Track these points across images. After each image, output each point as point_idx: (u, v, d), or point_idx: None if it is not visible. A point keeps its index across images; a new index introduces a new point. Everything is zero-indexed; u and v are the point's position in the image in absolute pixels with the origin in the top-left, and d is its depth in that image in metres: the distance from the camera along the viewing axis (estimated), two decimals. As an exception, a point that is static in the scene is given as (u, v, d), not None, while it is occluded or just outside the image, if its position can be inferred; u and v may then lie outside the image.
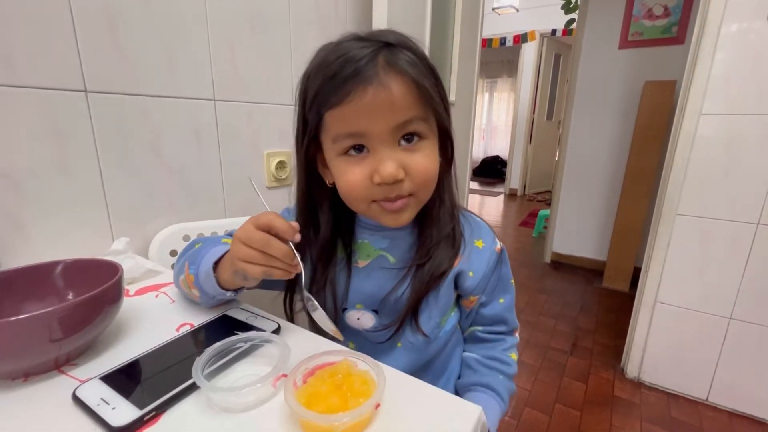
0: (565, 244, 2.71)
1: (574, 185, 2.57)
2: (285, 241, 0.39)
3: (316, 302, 0.42)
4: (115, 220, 0.66)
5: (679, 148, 1.26)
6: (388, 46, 0.40)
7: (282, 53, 0.92)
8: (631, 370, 1.49)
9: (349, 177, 0.43)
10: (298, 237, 0.39)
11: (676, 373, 1.41)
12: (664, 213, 1.32)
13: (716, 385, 1.34)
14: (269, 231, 0.38)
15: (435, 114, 0.43)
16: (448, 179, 0.50)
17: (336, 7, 1.05)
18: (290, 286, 0.55)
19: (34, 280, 0.43)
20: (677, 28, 2.02)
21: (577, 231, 2.64)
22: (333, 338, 0.44)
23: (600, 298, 2.21)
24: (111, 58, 0.63)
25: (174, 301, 0.52)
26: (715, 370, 1.34)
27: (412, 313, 0.49)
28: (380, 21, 1.02)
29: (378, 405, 0.33)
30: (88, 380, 0.35)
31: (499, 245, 0.55)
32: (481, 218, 0.57)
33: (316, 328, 0.55)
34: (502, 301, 0.56)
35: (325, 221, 0.50)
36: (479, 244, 0.53)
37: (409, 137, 0.42)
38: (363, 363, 0.35)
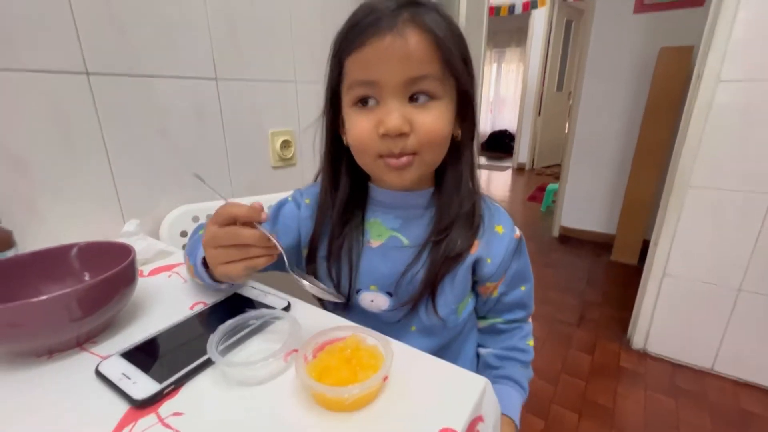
0: (574, 218, 2.69)
1: (584, 158, 2.52)
2: (253, 226, 0.38)
3: (303, 278, 0.40)
4: (125, 202, 0.67)
5: (693, 117, 1.22)
6: (415, 4, 0.40)
7: (283, 29, 0.90)
8: (637, 341, 1.51)
9: (358, 127, 0.43)
10: (264, 216, 0.38)
11: (682, 343, 1.43)
12: (675, 185, 1.30)
13: (722, 355, 1.36)
14: (234, 222, 0.37)
15: (455, 76, 0.42)
16: (468, 153, 0.48)
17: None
18: (307, 270, 0.54)
19: (51, 263, 0.44)
20: (697, -12, 1.91)
21: (586, 205, 2.61)
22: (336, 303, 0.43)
23: (608, 272, 2.21)
24: (110, 39, 0.62)
25: (186, 281, 0.53)
26: (721, 340, 1.35)
27: (428, 293, 0.48)
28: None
29: (386, 378, 0.34)
30: (109, 357, 0.36)
31: (518, 232, 0.53)
32: (499, 204, 0.55)
33: (321, 302, 0.56)
34: (522, 288, 0.55)
35: (344, 185, 0.50)
36: (499, 229, 0.51)
37: (418, 95, 0.41)
38: (371, 338, 0.36)
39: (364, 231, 0.51)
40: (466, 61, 0.44)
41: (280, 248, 0.39)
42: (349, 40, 0.41)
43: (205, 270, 0.44)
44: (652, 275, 1.42)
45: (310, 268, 0.53)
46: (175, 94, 0.72)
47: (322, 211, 0.51)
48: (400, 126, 0.40)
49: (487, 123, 6.85)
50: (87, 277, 0.45)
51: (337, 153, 0.49)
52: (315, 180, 0.54)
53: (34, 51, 0.54)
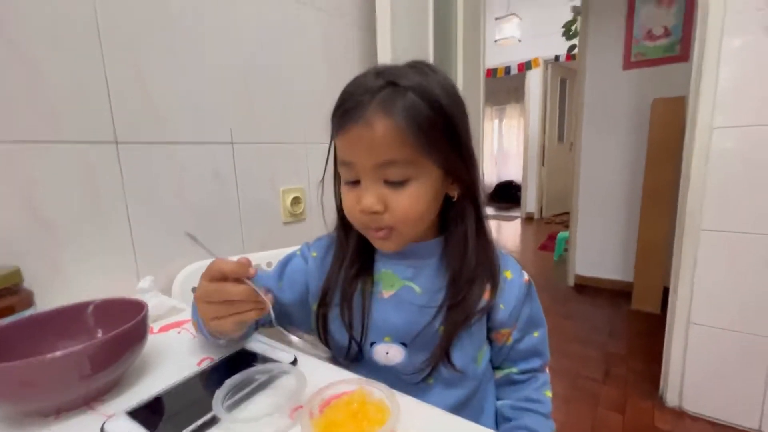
0: (588, 266, 2.63)
1: (592, 206, 2.53)
2: (243, 281, 0.39)
3: (289, 332, 0.42)
4: (141, 261, 0.70)
5: (694, 163, 1.24)
6: (394, 87, 0.41)
7: (294, 97, 0.98)
8: (671, 398, 1.40)
9: (345, 201, 0.47)
10: (252, 271, 0.39)
11: (721, 400, 1.31)
12: (687, 229, 1.29)
13: (768, 413, 1.24)
14: (223, 278, 0.39)
15: (431, 155, 0.43)
16: (470, 207, 0.49)
17: (345, 48, 1.12)
18: (318, 326, 0.54)
19: (67, 320, 0.45)
20: (680, 46, 2.04)
21: (599, 252, 2.57)
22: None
23: (629, 321, 2.11)
24: (139, 109, 0.69)
25: (195, 337, 0.54)
26: (765, 396, 1.24)
27: (445, 354, 0.48)
28: (384, 58, 1.08)
29: (394, 433, 0.33)
30: (115, 416, 0.36)
31: (526, 276, 0.54)
32: (505, 250, 0.56)
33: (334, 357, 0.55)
34: (536, 334, 0.55)
35: (353, 239, 0.52)
36: (508, 275, 0.52)
37: (391, 178, 0.43)
38: (378, 391, 0.35)
39: (375, 282, 0.52)
40: (454, 133, 0.44)
41: (268, 303, 0.40)
42: (335, 122, 0.44)
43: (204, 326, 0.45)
44: (677, 324, 1.35)
45: (321, 318, 0.53)
46: (194, 158, 0.78)
47: (335, 262, 0.53)
48: (372, 206, 0.43)
49: (493, 175, 7.00)
50: (100, 334, 0.46)
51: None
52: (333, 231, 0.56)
53: (72, 123, 0.60)
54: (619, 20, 2.20)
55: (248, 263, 0.39)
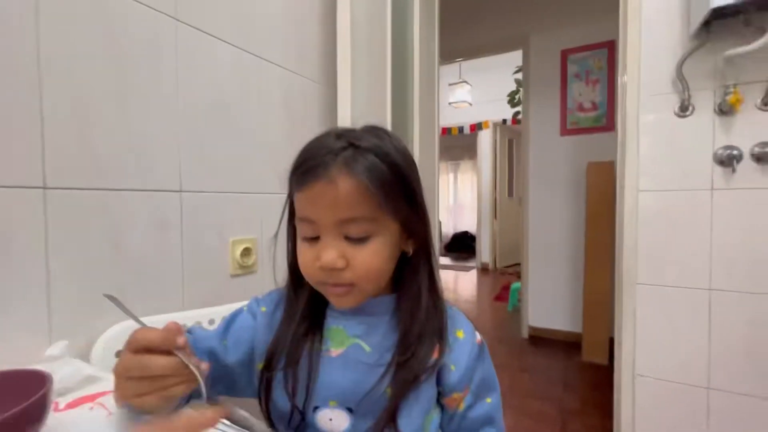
0: (541, 317, 2.70)
1: (541, 259, 2.67)
2: (170, 354, 0.35)
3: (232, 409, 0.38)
4: (57, 320, 0.61)
5: (626, 221, 1.36)
6: (355, 148, 0.43)
7: (250, 144, 0.97)
8: (625, 454, 1.40)
9: (302, 258, 0.46)
10: (182, 341, 0.35)
11: (671, 454, 1.33)
12: (624, 283, 1.37)
13: (714, 466, 1.27)
14: (147, 350, 0.34)
15: (389, 213, 0.45)
16: (424, 264, 0.50)
17: (304, 105, 1.15)
18: (261, 387, 0.50)
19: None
20: (605, 118, 2.33)
21: (550, 304, 2.66)
22: None
23: (582, 374, 2.15)
24: (76, 155, 0.64)
25: (111, 413, 0.46)
26: (708, 448, 1.27)
27: (392, 419, 0.45)
28: (344, 118, 1.12)
29: None
30: None
31: (479, 337, 0.53)
32: (457, 308, 0.56)
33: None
34: (489, 400, 0.53)
35: (304, 297, 0.50)
36: (460, 334, 0.51)
37: (352, 234, 0.44)
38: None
39: (324, 339, 0.50)
40: (409, 191, 0.47)
41: (199, 376, 0.35)
42: (296, 178, 0.45)
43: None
44: (624, 377, 1.39)
45: (265, 382, 0.49)
46: (136, 207, 0.72)
47: (284, 320, 0.50)
48: (333, 262, 0.43)
49: (449, 226, 7.25)
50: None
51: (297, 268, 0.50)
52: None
53: (-9, 168, 0.54)
54: (555, 93, 2.50)
55: (177, 330, 0.35)
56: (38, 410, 0.35)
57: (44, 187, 0.60)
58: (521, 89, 2.81)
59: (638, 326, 1.35)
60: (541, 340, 2.63)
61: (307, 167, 0.43)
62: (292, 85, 1.10)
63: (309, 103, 1.17)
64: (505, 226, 5.41)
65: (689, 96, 1.24)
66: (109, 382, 0.54)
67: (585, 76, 2.37)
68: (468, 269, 5.55)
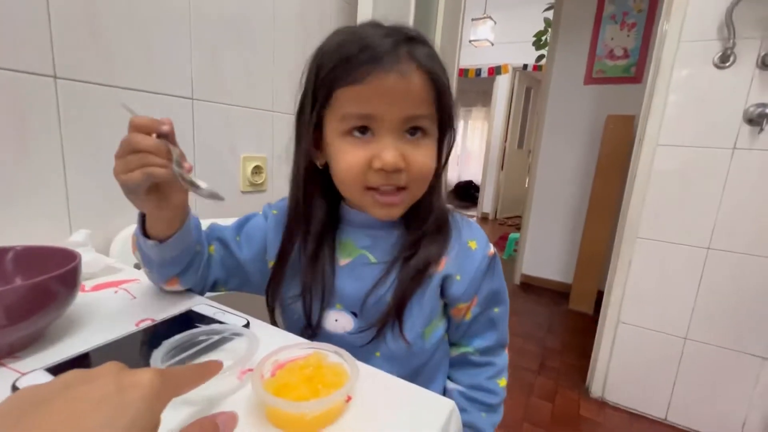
0: (534, 266, 2.78)
1: (543, 210, 2.68)
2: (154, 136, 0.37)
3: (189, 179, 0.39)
4: (75, 213, 0.62)
5: (638, 175, 1.35)
6: (410, 40, 0.41)
7: (264, 60, 0.93)
8: (596, 389, 1.53)
9: (349, 158, 0.42)
10: (166, 128, 0.37)
11: (638, 392, 1.45)
12: (625, 236, 1.40)
13: (674, 404, 1.39)
14: (137, 131, 0.37)
15: (443, 113, 0.44)
16: (438, 181, 0.50)
17: (322, 16, 1.07)
18: (270, 283, 0.51)
19: (-22, 266, 0.39)
20: (635, 68, 2.20)
21: (545, 254, 2.72)
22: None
23: (566, 320, 2.26)
24: (86, 44, 0.61)
25: (135, 297, 0.49)
26: (672, 390, 1.39)
27: (395, 315, 0.47)
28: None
29: (349, 398, 0.32)
30: (32, 372, 0.32)
31: (491, 249, 0.53)
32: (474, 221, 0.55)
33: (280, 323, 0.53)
34: (496, 310, 0.54)
35: (319, 207, 0.49)
36: (472, 245, 0.51)
37: (413, 131, 0.43)
38: (335, 355, 0.34)
39: (335, 251, 0.50)
40: (452, 94, 0.45)
41: (175, 152, 0.38)
42: (344, 72, 0.40)
43: (142, 227, 0.42)
44: (608, 322, 1.47)
45: (275, 284, 0.51)
46: (148, 109, 0.71)
47: (290, 231, 0.49)
48: (396, 162, 0.41)
49: (454, 174, 7.18)
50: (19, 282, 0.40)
51: (311, 177, 0.48)
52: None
53: (2, 48, 0.52)
54: (586, 36, 2.32)
55: (166, 121, 0.37)
56: (70, 279, 0.37)
57: (54, 76, 0.58)
58: (549, 30, 2.61)
59: (630, 277, 1.40)
60: (531, 287, 2.74)
61: (368, 57, 0.39)
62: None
63: (326, 21, 1.09)
64: (510, 177, 5.36)
65: (734, 44, 1.15)
66: (129, 273, 0.57)
67: (621, 18, 2.19)
68: (469, 218, 5.61)
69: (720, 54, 1.19)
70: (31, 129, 0.56)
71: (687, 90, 1.26)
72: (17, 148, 0.55)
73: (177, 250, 0.44)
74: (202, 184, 0.39)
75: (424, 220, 0.48)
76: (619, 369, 1.48)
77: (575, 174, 2.53)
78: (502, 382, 0.56)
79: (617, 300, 1.44)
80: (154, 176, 0.36)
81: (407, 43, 0.40)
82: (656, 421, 1.41)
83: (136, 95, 0.68)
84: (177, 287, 0.48)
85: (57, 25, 0.57)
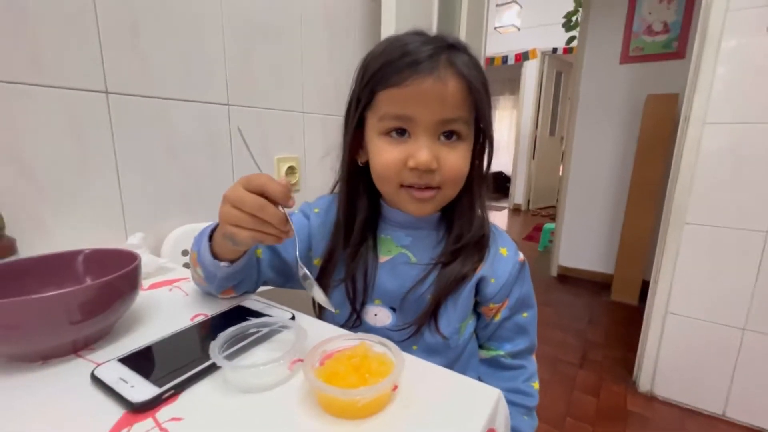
0: (572, 257, 2.68)
1: (580, 199, 2.57)
2: (277, 205, 0.37)
3: (308, 273, 0.41)
4: (130, 218, 0.67)
5: (684, 157, 1.27)
6: (450, 47, 0.43)
7: (293, 63, 0.95)
8: (644, 383, 1.46)
9: (386, 156, 0.45)
10: (292, 202, 0.38)
11: (691, 386, 1.37)
12: (672, 222, 1.32)
13: (733, 399, 1.30)
14: (262, 194, 0.36)
15: (481, 118, 0.46)
16: (480, 187, 0.51)
17: (347, 17, 1.08)
18: (320, 278, 0.53)
19: (54, 269, 0.43)
20: (677, 43, 2.06)
21: (583, 244, 2.62)
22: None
23: (608, 311, 2.17)
24: (131, 61, 0.65)
25: (188, 294, 0.52)
26: (731, 384, 1.30)
27: (432, 314, 0.49)
28: (388, 31, 1.05)
29: (396, 387, 0.33)
30: (107, 362, 0.35)
31: (521, 256, 0.54)
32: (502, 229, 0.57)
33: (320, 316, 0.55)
34: (525, 315, 0.55)
35: (362, 203, 0.51)
36: (503, 251, 0.53)
37: (448, 134, 0.44)
38: (380, 345, 0.35)
39: (376, 247, 0.52)
40: (490, 101, 0.47)
41: (294, 234, 0.39)
42: (385, 76, 0.42)
43: (209, 241, 0.44)
44: (654, 314, 1.40)
45: (322, 275, 0.53)
46: (188, 117, 0.75)
47: (337, 229, 0.52)
48: (429, 162, 0.42)
49: (482, 165, 7.03)
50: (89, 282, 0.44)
51: (355, 174, 0.51)
52: (332, 191, 0.55)
53: (59, 69, 0.57)
54: (621, 13, 2.20)
55: (290, 191, 0.38)
56: (134, 277, 0.40)
57: (106, 92, 0.62)
58: (580, 9, 2.49)
59: (678, 266, 1.32)
60: (569, 279, 2.65)
61: (408, 62, 0.41)
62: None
63: (351, 20, 1.10)
64: (542, 166, 5.18)
65: (791, 8, 1.05)
66: (180, 272, 0.61)
67: (660, -9, 2.06)
68: (500, 209, 5.48)
69: (775, 20, 1.09)
70: (88, 143, 0.61)
71: (737, 62, 1.17)
72: (78, 161, 0.60)
73: (242, 266, 0.46)
74: (320, 297, 0.40)
75: (465, 227, 0.49)
76: (668, 362, 1.40)
77: (613, 159, 2.41)
78: (536, 385, 0.56)
79: (665, 290, 1.36)
80: (263, 243, 0.38)
81: (446, 50, 0.42)
82: (713, 417, 1.33)
83: (176, 105, 0.72)
84: (232, 295, 0.50)
85: (106, 44, 0.61)
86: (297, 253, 0.41)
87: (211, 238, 0.44)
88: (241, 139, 0.43)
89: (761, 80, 1.14)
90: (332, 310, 0.42)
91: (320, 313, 0.56)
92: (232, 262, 0.44)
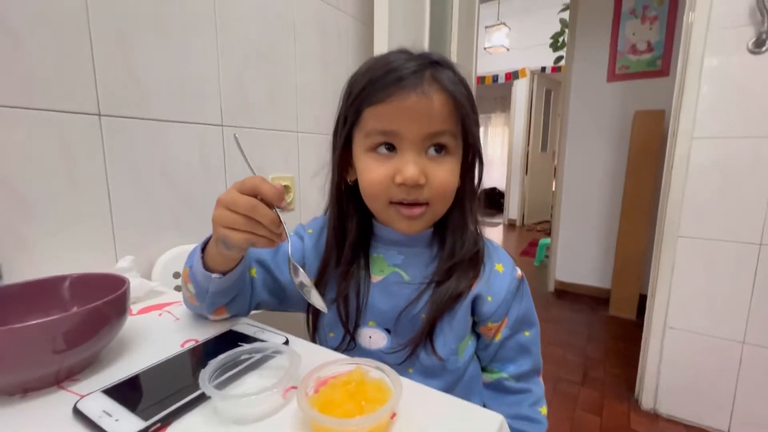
0: (568, 272, 2.68)
1: (573, 213, 2.59)
2: (272, 207, 0.37)
3: (302, 270, 0.40)
4: (120, 240, 0.66)
5: (674, 171, 1.29)
6: (434, 64, 0.43)
7: (287, 83, 0.96)
8: (647, 401, 1.43)
9: (374, 173, 0.44)
10: (284, 204, 0.38)
11: (695, 403, 1.35)
12: (665, 236, 1.32)
13: (737, 415, 1.28)
14: (255, 196, 0.36)
15: (467, 133, 0.46)
16: (472, 202, 0.50)
17: (340, 38, 1.11)
18: (310, 309, 0.53)
19: (39, 295, 0.42)
20: (661, 61, 2.12)
21: (579, 259, 2.62)
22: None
23: (607, 327, 2.15)
24: (125, 84, 0.65)
25: (178, 319, 0.51)
26: (734, 399, 1.28)
27: (427, 334, 0.47)
28: (381, 51, 1.07)
29: (394, 414, 0.31)
30: (90, 394, 0.33)
31: (519, 272, 0.53)
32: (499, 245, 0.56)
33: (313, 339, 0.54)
34: (527, 334, 0.53)
35: (352, 222, 0.50)
36: (499, 268, 0.51)
37: (437, 148, 0.44)
38: (377, 371, 0.34)
39: (369, 266, 0.51)
40: (476, 119, 0.47)
41: (287, 237, 0.39)
42: (370, 93, 0.42)
43: (201, 253, 0.43)
44: (654, 329, 1.39)
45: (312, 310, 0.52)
46: (182, 138, 0.75)
47: (329, 249, 0.51)
48: (417, 178, 0.42)
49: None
50: (76, 310, 0.43)
51: (345, 193, 0.50)
52: (325, 212, 0.54)
53: (51, 92, 0.56)
54: (605, 34, 2.27)
55: (284, 194, 0.37)
56: (122, 303, 0.39)
57: (99, 114, 0.62)
58: (566, 30, 2.58)
59: (675, 279, 1.32)
60: (567, 294, 2.63)
61: (393, 79, 0.41)
62: (328, 20, 1.05)
63: (344, 41, 1.12)
64: (535, 182, 5.24)
65: (768, 27, 1.09)
66: (171, 296, 0.59)
67: (642, 12, 2.13)
68: (494, 225, 5.50)
69: (754, 39, 1.13)
70: (79, 165, 0.60)
71: (721, 79, 1.20)
72: (68, 183, 0.59)
73: (234, 279, 0.45)
74: (315, 298, 0.40)
75: (458, 243, 0.49)
76: (670, 378, 1.38)
77: (604, 174, 2.44)
78: (543, 410, 0.54)
79: (662, 304, 1.36)
80: (256, 246, 0.38)
81: (431, 66, 0.43)
82: (718, 434, 1.30)
83: (171, 126, 0.72)
84: (224, 316, 0.49)
85: (100, 67, 0.61)
86: (290, 252, 0.40)
87: (204, 251, 0.43)
88: (237, 146, 0.42)
89: (744, 97, 1.17)
90: (325, 311, 0.41)
91: (314, 336, 0.55)
92: (224, 273, 0.43)
